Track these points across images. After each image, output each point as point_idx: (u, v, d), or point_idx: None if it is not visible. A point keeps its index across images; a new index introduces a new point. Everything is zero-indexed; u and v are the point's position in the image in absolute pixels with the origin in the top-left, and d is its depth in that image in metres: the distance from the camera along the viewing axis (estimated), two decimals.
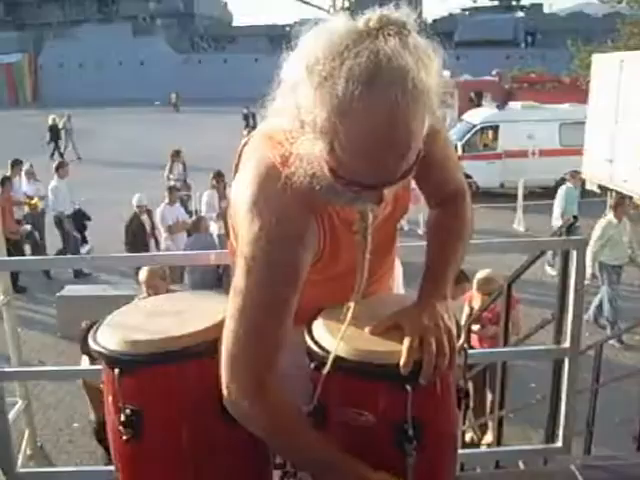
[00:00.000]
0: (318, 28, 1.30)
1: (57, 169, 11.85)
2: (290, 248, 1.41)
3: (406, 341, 1.44)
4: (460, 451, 3.28)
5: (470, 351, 2.57)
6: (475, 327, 6.07)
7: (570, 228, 2.75)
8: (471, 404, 6.12)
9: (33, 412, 4.44)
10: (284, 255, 1.40)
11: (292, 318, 1.47)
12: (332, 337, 1.51)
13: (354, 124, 1.19)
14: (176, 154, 13.92)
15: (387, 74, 1.17)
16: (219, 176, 10.57)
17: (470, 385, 6.09)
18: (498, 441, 3.92)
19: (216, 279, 7.91)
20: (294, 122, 1.31)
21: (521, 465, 3.33)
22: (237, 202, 1.47)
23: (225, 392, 1.47)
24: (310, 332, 1.57)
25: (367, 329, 1.53)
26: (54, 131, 25.98)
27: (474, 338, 6.03)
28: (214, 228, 10.22)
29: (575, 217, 2.76)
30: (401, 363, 1.40)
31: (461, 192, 1.76)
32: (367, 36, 1.22)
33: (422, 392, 1.45)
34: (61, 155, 24.52)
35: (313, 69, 1.23)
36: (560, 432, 2.88)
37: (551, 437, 3.05)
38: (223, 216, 10.17)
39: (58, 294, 8.73)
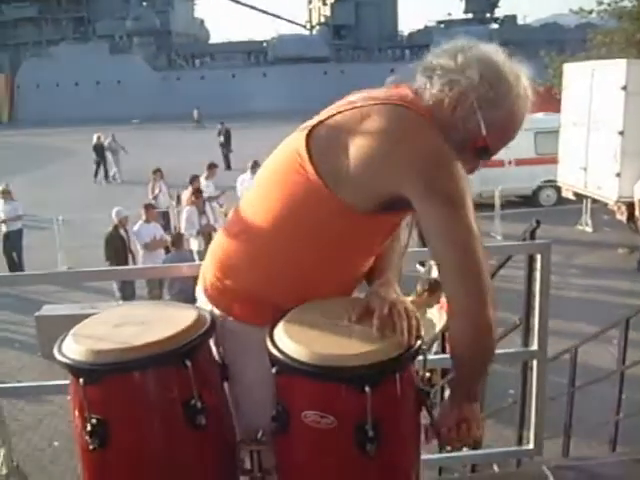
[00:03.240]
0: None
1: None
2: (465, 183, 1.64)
3: (377, 312, 1.63)
4: (436, 455, 3.32)
5: (441, 356, 2.61)
6: None
7: (534, 233, 2.81)
8: None
9: (9, 431, 4.40)
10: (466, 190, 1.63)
11: None
12: (292, 341, 1.54)
13: (515, 116, 1.69)
14: (157, 172, 13.93)
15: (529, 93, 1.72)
16: (198, 192, 10.58)
17: (447, 391, 6.13)
18: (474, 445, 3.94)
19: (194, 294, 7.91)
20: (452, 101, 1.66)
21: (495, 468, 3.37)
22: (396, 162, 1.59)
23: (476, 311, 1.58)
24: (271, 336, 1.61)
25: (326, 333, 1.57)
26: (99, 150, 23.84)
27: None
28: (194, 244, 10.22)
29: (537, 221, 2.80)
30: (374, 330, 1.58)
31: None
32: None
33: (382, 393, 1.49)
34: (106, 176, 23.77)
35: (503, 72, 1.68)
36: (531, 434, 2.93)
37: (522, 439, 3.10)
38: (203, 233, 10.18)
39: (37, 314, 8.66)
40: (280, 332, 1.61)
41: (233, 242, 1.85)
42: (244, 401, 1.85)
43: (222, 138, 25.78)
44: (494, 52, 1.70)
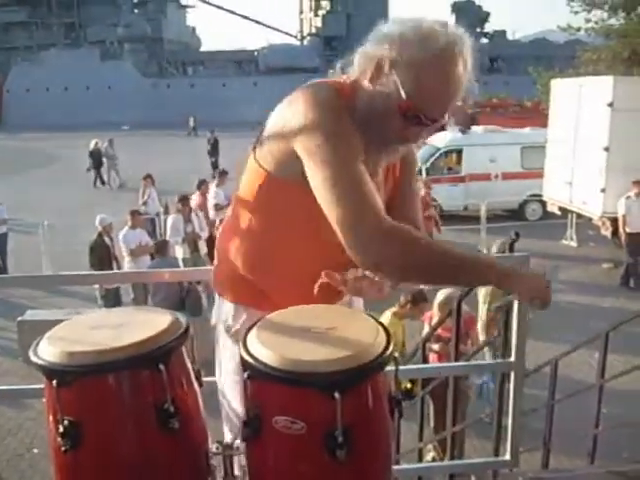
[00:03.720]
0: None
1: None
2: (353, 138, 1.72)
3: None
4: (415, 465, 3.34)
5: (421, 366, 2.63)
6: (436, 346, 6.14)
7: (513, 245, 2.84)
8: (432, 423, 6.19)
9: None
10: (352, 139, 1.71)
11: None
12: (263, 346, 1.56)
13: (439, 70, 1.65)
14: (148, 178, 13.93)
15: (463, 48, 1.71)
16: (184, 199, 10.60)
17: (431, 405, 6.15)
18: (452, 456, 3.96)
19: (179, 301, 7.92)
20: (370, 72, 1.70)
21: (473, 479, 3.38)
22: (292, 119, 1.73)
23: (355, 245, 1.64)
24: (244, 342, 1.62)
25: (298, 339, 1.59)
26: (95, 156, 23.75)
27: (434, 357, 6.09)
28: (179, 252, 10.22)
29: (517, 234, 2.83)
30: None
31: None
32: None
33: (352, 399, 1.50)
34: (103, 182, 23.69)
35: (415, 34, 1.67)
36: (508, 445, 2.94)
37: (499, 450, 3.12)
38: (188, 240, 10.19)
39: (19, 318, 8.62)
40: (252, 337, 1.63)
41: (223, 237, 2.09)
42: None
43: (209, 147, 25.78)
44: (415, 19, 1.72)
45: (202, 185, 12.18)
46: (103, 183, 23.74)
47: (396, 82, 1.66)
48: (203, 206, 11.67)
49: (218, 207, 11.44)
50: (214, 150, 25.64)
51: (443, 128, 20.19)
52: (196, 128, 42.16)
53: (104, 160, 23.83)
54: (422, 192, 10.04)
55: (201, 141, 29.19)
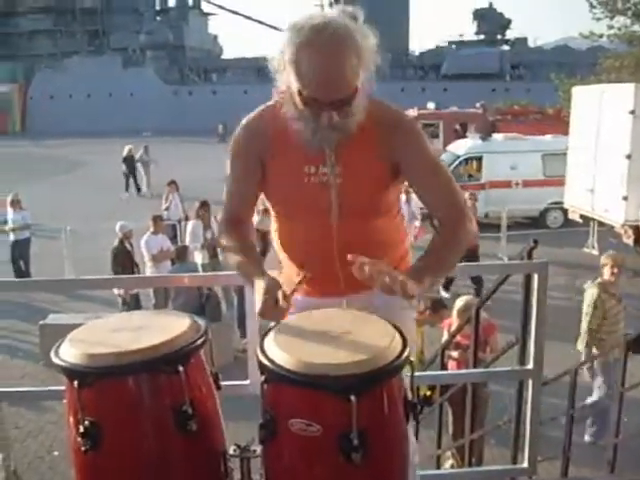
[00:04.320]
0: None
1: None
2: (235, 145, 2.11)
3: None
4: (430, 472, 3.34)
5: (438, 372, 2.64)
6: (455, 353, 6.12)
7: (531, 252, 2.83)
8: (450, 430, 6.16)
9: (9, 437, 4.43)
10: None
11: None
12: (279, 349, 1.58)
13: (308, 55, 1.77)
14: (172, 184, 14.05)
15: (330, 27, 1.78)
16: (205, 205, 10.62)
17: (449, 412, 6.13)
18: (470, 462, 3.96)
19: (199, 306, 7.97)
20: (281, 67, 1.86)
21: None
22: None
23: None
24: (262, 345, 1.64)
25: (314, 342, 1.61)
26: (129, 162, 23.30)
27: (453, 364, 6.07)
28: (198, 258, 10.27)
29: (535, 241, 2.82)
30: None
31: (457, 220, 2.02)
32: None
33: (367, 403, 1.52)
34: (138, 189, 23.19)
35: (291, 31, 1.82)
36: (526, 452, 2.93)
37: (517, 458, 3.10)
38: (207, 246, 10.23)
39: (41, 322, 8.72)
40: (270, 340, 1.65)
41: None
42: None
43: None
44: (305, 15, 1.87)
45: None
46: (139, 190, 23.19)
47: (289, 75, 1.84)
48: None
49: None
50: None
51: (460, 135, 20.19)
52: (225, 135, 42.21)
53: (138, 166, 23.44)
54: (468, 203, 9.85)
55: (223, 147, 29.14)
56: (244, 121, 2.08)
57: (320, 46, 1.76)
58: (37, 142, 45.16)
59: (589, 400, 6.31)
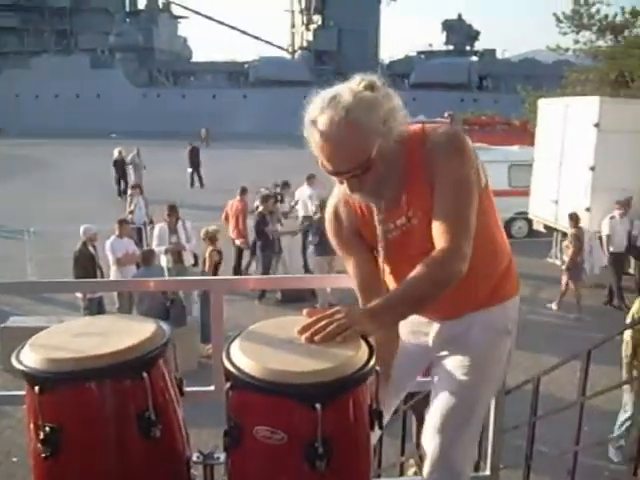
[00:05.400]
0: None
1: None
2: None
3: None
4: (394, 479, 3.34)
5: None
6: None
7: None
8: (414, 439, 6.18)
9: None
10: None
11: None
12: (245, 356, 1.57)
13: (312, 134, 1.87)
14: (136, 187, 13.94)
15: (328, 109, 1.84)
16: (172, 209, 10.56)
17: (413, 419, 6.14)
18: None
19: (164, 311, 7.89)
20: None
21: None
22: None
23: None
24: (228, 351, 1.63)
25: (281, 350, 1.60)
26: (119, 166, 22.35)
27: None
28: (164, 261, 10.19)
29: None
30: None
31: (439, 253, 1.90)
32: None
33: (332, 411, 1.52)
34: (124, 192, 20.71)
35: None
36: (488, 460, 2.96)
37: (479, 465, 3.12)
38: (172, 251, 10.16)
39: (1, 325, 8.55)
40: (235, 347, 1.64)
41: None
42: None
43: (189, 157, 25.57)
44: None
45: (244, 192, 12.74)
46: (124, 193, 20.85)
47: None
48: (241, 212, 12.35)
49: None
50: (194, 160, 25.45)
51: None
52: (207, 139, 41.91)
53: (129, 170, 22.41)
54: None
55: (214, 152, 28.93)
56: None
57: (320, 128, 1.85)
58: (1, 141, 44.43)
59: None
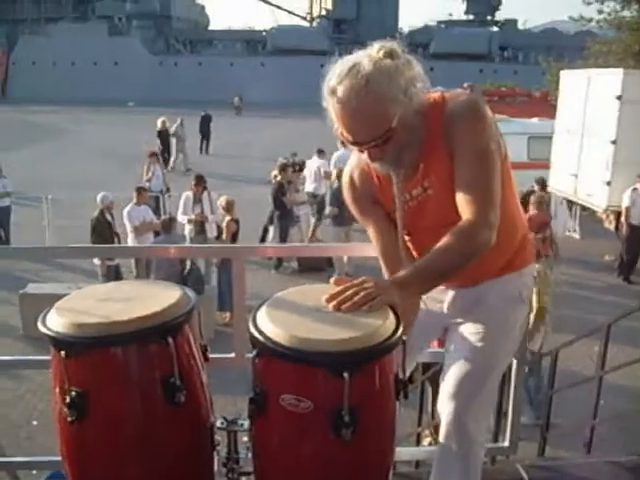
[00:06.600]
0: None
1: None
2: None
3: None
4: (413, 449, 3.35)
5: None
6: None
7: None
8: (430, 409, 6.19)
9: None
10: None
11: None
12: (273, 324, 1.56)
13: (332, 104, 1.83)
14: (153, 156, 13.90)
15: (347, 79, 1.79)
16: (199, 180, 10.48)
17: (430, 391, 6.16)
18: None
19: (181, 280, 7.92)
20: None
21: None
22: None
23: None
24: (254, 318, 1.62)
25: (308, 318, 1.59)
26: (163, 137, 20.87)
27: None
28: (187, 231, 10.21)
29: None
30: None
31: (465, 223, 1.85)
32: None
33: (359, 380, 1.51)
34: (166, 165, 18.83)
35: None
36: (507, 432, 2.95)
37: (498, 437, 3.13)
38: (195, 221, 10.13)
39: (21, 291, 8.64)
40: (262, 314, 1.63)
41: None
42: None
43: (200, 124, 25.47)
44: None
45: (321, 152, 13.49)
46: (166, 165, 18.89)
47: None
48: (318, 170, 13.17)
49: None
50: (205, 128, 25.41)
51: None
52: (240, 107, 41.69)
53: (172, 141, 21.38)
54: (533, 211, 9.19)
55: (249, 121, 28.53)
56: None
57: (340, 98, 1.81)
58: (19, 108, 44.48)
59: None
